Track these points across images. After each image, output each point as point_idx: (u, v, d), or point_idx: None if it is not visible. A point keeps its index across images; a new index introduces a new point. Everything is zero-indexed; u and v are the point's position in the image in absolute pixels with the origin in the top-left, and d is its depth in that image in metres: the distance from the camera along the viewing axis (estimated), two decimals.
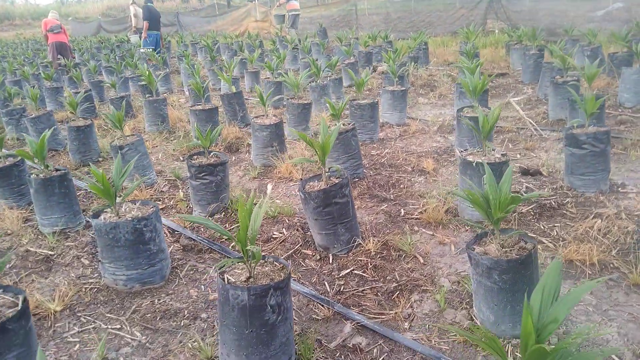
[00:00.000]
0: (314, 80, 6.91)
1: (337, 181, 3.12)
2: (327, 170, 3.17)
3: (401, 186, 4.15)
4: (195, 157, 3.89)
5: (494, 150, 3.48)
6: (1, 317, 1.93)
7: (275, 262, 2.28)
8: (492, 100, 6.90)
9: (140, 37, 14.45)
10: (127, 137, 4.62)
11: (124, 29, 24.20)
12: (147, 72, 6.29)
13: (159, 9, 14.64)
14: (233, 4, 33.09)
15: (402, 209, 3.72)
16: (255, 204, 2.25)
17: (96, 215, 2.88)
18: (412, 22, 16.56)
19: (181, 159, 5.38)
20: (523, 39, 9.61)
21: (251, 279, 2.12)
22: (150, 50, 11.43)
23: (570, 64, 5.74)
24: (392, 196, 3.97)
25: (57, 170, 3.64)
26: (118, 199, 2.88)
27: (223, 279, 2.11)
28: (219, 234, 3.53)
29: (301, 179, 4.46)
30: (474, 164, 3.30)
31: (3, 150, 4.26)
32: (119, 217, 2.81)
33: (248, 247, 2.03)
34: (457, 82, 6.58)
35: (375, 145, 5.28)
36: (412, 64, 8.88)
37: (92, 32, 24.70)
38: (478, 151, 3.51)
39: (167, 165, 5.20)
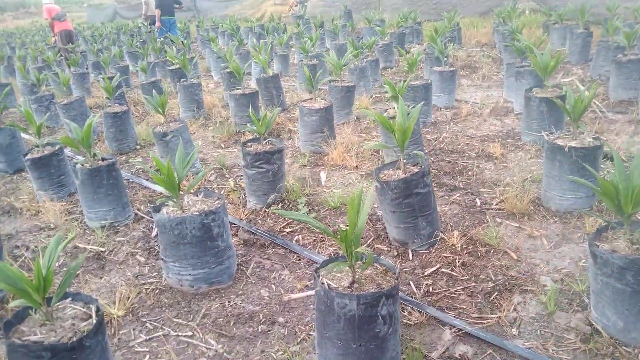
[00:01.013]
0: (352, 62, 6.57)
1: (417, 169, 2.82)
2: (404, 157, 2.86)
3: (469, 173, 3.83)
4: (249, 144, 3.60)
5: (583, 133, 3.14)
6: (76, 332, 1.67)
7: (376, 264, 1.99)
8: None
9: (148, 24, 14.09)
10: (170, 124, 4.35)
11: (140, 15, 23.87)
12: (182, 55, 5.99)
13: None
14: None
15: (476, 199, 3.41)
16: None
17: (157, 209, 2.61)
18: (437, 3, 16.02)
19: (222, 146, 5.10)
20: (564, 18, 9.14)
21: (355, 285, 1.84)
22: (174, 36, 11.13)
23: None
24: (461, 184, 3.65)
25: (103, 159, 3.37)
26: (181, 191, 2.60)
27: (323, 284, 1.83)
28: (279, 227, 3.25)
29: (356, 166, 4.18)
30: (566, 149, 2.97)
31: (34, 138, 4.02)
32: (183, 211, 2.54)
33: (358, 250, 1.74)
34: (507, 62, 6.20)
35: (429, 130, 4.95)
36: (452, 44, 8.48)
37: (108, 18, 24.44)
38: (566, 135, 3.18)
39: (209, 152, 4.93)
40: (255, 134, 3.58)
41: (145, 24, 14.82)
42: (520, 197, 3.21)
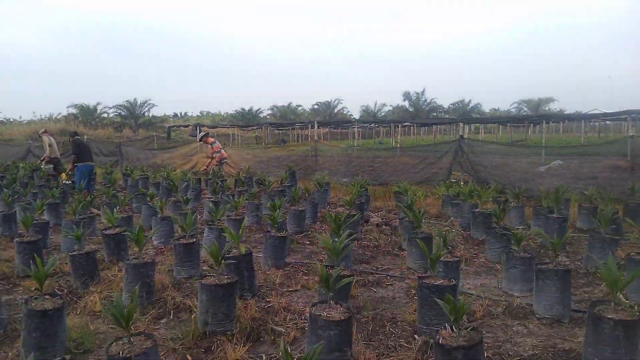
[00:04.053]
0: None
1: None
2: None
3: None
4: None
5: None
6: None
7: None
8: None
9: (53, 168, 13.32)
10: (134, 341, 3.05)
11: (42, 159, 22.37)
12: (139, 228, 4.80)
13: (90, 137, 13.47)
14: (173, 138, 32.73)
15: None
16: None
17: None
18: (374, 169, 16.29)
19: (189, 358, 3.77)
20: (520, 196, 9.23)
21: None
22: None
23: None
24: None
25: None
26: None
27: None
28: None
29: None
30: None
31: None
32: None
33: None
34: (505, 251, 5.68)
35: None
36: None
37: (20, 155, 22.56)
38: None
39: None
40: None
41: (49, 166, 13.66)
42: None
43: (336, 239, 4.83)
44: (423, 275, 4.35)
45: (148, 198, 8.83)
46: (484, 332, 4.20)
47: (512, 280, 5.35)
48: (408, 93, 64.73)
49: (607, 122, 36.18)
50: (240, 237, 5.23)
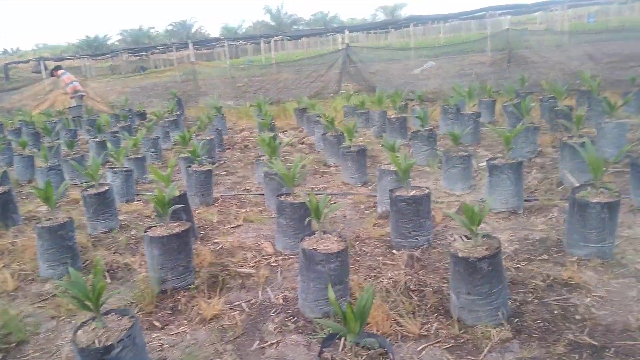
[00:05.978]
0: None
1: None
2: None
3: (576, 317, 2.85)
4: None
5: None
6: None
7: None
8: None
9: None
10: (108, 323, 2.39)
11: None
12: (47, 182, 3.82)
13: None
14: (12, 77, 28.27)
15: None
16: None
17: None
18: (258, 87, 15.51)
19: (156, 324, 3.18)
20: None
21: None
22: None
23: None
24: (589, 338, 2.63)
25: None
26: None
27: None
28: None
29: (419, 334, 2.82)
30: None
31: None
32: None
33: None
34: (446, 155, 5.65)
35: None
36: None
37: None
38: None
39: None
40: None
41: None
42: None
43: (289, 165, 4.35)
44: (393, 188, 4.09)
45: (20, 147, 7.36)
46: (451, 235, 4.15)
47: (453, 180, 5.36)
48: (269, 7, 62.82)
49: (458, 21, 38.52)
50: (170, 176, 4.49)
